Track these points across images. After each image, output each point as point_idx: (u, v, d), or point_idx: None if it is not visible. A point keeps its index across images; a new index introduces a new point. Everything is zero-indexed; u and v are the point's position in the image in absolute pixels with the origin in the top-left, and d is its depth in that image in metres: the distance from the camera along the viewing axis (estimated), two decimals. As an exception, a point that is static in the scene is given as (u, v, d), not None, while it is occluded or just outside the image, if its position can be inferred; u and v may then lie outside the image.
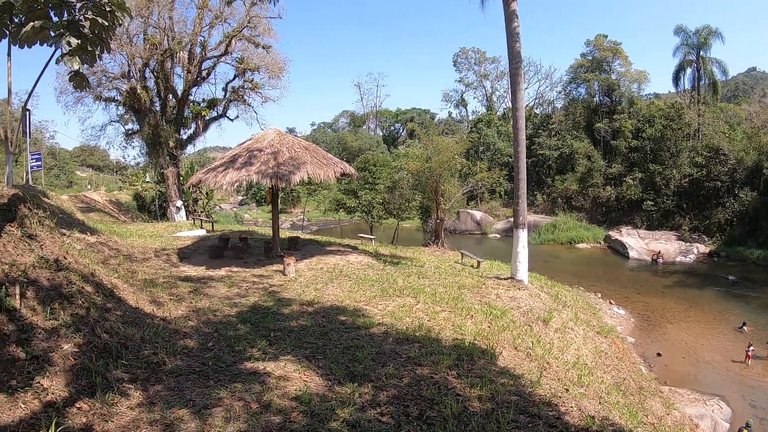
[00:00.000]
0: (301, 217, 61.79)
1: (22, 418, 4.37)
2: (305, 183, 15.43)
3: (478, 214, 57.59)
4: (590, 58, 64.49)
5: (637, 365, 13.88)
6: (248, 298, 10.93)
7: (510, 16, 14.88)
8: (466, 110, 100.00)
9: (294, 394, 5.75)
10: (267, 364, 6.72)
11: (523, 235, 14.74)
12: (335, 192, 45.55)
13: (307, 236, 25.73)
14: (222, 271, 13.69)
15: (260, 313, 9.54)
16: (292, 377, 6.32)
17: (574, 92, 68.82)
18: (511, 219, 49.38)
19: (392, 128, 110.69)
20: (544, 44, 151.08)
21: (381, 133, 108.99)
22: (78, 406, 4.86)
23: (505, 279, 14.84)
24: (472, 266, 18.23)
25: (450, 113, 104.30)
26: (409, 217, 41.52)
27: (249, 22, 33.19)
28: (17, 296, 5.84)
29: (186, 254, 16.32)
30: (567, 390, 7.56)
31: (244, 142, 16.55)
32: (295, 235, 22.55)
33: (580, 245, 46.28)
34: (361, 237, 26.94)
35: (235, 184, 14.73)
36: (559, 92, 77.03)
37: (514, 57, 15.01)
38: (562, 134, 64.87)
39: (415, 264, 16.62)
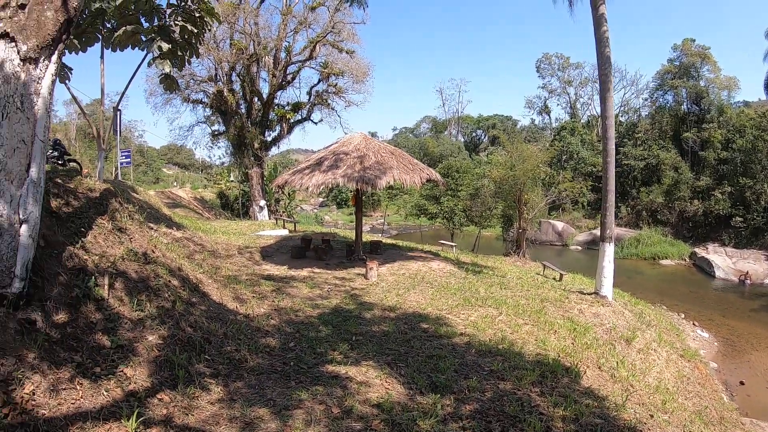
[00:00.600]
0: (382, 220, 62.24)
1: (103, 405, 4.51)
2: (390, 188, 15.47)
3: (559, 225, 55.84)
4: (677, 63, 60.93)
5: (718, 393, 12.95)
6: (330, 299, 11.01)
7: (599, 20, 14.33)
8: (550, 117, 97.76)
9: (375, 401, 5.68)
10: (348, 368, 6.70)
11: (609, 249, 14.08)
12: (417, 197, 45.56)
13: (389, 240, 25.81)
14: (304, 272, 13.89)
15: (342, 316, 9.58)
16: (374, 384, 6.26)
17: (660, 99, 65.10)
18: (594, 231, 47.51)
19: (474, 134, 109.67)
20: (629, 49, 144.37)
21: (462, 140, 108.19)
22: (159, 397, 4.99)
23: (588, 294, 14.26)
24: (554, 279, 17.66)
25: (533, 120, 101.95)
26: (491, 225, 40.91)
27: (333, 28, 33.93)
28: (106, 287, 6.12)
29: (269, 253, 16.71)
30: (651, 416, 7.17)
31: (330, 145, 16.75)
32: (376, 238, 22.65)
33: (664, 261, 43.97)
34: (442, 243, 26.73)
35: (321, 187, 14.92)
36: (645, 99, 73.15)
37: (604, 62, 14.41)
38: (648, 144, 61.57)
39: (497, 274, 16.27)
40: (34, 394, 4.18)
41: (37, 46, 4.97)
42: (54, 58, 5.20)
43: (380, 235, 36.56)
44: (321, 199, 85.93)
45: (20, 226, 4.85)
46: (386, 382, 6.35)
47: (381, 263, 14.53)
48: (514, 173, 29.00)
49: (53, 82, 5.26)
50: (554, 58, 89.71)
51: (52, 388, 4.35)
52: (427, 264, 15.35)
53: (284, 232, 23.11)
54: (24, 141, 4.92)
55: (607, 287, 14.13)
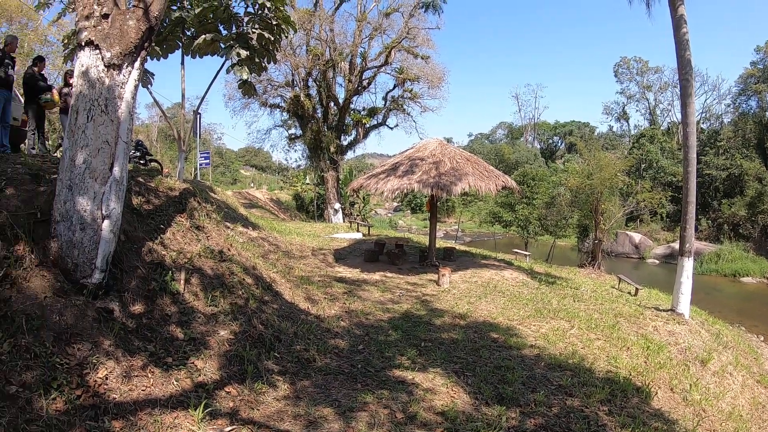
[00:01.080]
0: (456, 227, 61.88)
1: (172, 394, 4.78)
2: (464, 194, 15.37)
3: (636, 237, 53.36)
4: (761, 66, 56.69)
5: (795, 425, 12.11)
6: (401, 304, 11.06)
7: (678, 22, 13.68)
8: (628, 124, 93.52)
9: (440, 409, 5.68)
10: (415, 374, 6.72)
11: (688, 265, 13.40)
12: (492, 204, 45.03)
13: (462, 247, 25.65)
14: (376, 276, 14.02)
15: (412, 321, 9.59)
16: (440, 391, 6.26)
17: (743, 105, 60.45)
18: (672, 244, 45.06)
19: (550, 141, 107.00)
20: (710, 52, 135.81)
21: (538, 146, 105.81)
22: (227, 390, 5.21)
23: (664, 311, 13.62)
24: (629, 293, 17.01)
25: (611, 127, 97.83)
26: (566, 235, 39.90)
27: (408, 33, 34.18)
28: (182, 281, 6.46)
29: (342, 255, 16.98)
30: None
31: (406, 150, 16.82)
32: (450, 245, 22.56)
33: (745, 279, 41.13)
34: (516, 252, 26.31)
35: (396, 192, 15.00)
36: (728, 105, 68.40)
37: (684, 66, 13.73)
38: (731, 152, 57.66)
39: (571, 285, 15.84)
40: (107, 378, 4.50)
41: (121, 53, 5.33)
42: (137, 64, 5.56)
43: (454, 241, 36.35)
44: (396, 204, 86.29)
45: (102, 222, 5.22)
46: (452, 390, 6.33)
47: (453, 270, 14.46)
48: (590, 182, 28.30)
49: (136, 87, 5.62)
50: (632, 62, 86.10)
51: (124, 374, 4.66)
52: (500, 273, 15.16)
53: (358, 236, 23.38)
54: (108, 142, 5.28)
55: (684, 304, 13.52)
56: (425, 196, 18.52)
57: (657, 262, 48.03)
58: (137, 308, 5.59)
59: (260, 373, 5.79)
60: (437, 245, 18.19)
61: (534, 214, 39.02)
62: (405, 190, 15.03)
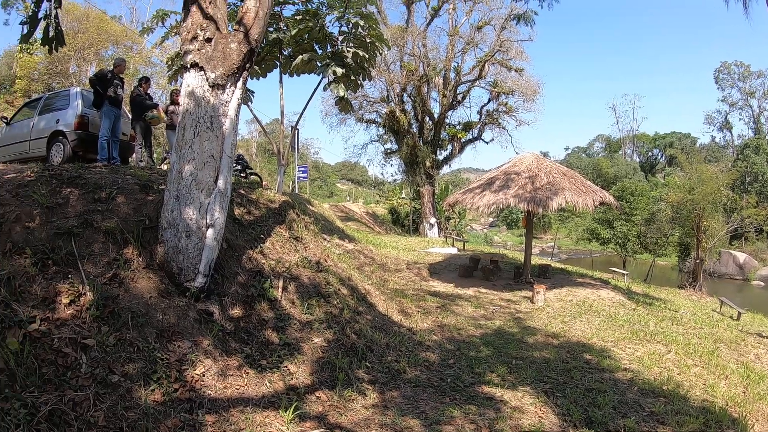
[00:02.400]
0: (552, 243, 60.25)
1: (265, 395, 5.01)
2: (561, 210, 14.99)
3: (741, 257, 49.20)
4: None
5: None
6: (493, 321, 10.94)
7: None
8: (731, 134, 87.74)
9: (526, 428, 5.56)
10: (504, 391, 6.64)
11: None
12: (589, 221, 43.58)
13: (558, 264, 24.99)
14: (470, 291, 13.94)
15: (504, 338, 9.45)
16: (527, 410, 6.14)
17: None
18: None
19: (650, 154, 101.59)
20: None
21: (638, 159, 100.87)
22: (317, 395, 5.38)
23: None
24: (731, 317, 15.89)
25: (713, 137, 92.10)
26: (666, 253, 37.89)
27: (500, 47, 33.92)
28: (280, 289, 6.77)
29: (436, 270, 17.01)
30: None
31: (502, 165, 16.68)
32: (545, 262, 22.06)
33: None
34: (613, 271, 25.30)
35: (491, 207, 14.88)
36: None
37: None
38: None
39: (669, 307, 15.00)
40: (203, 375, 4.82)
41: (224, 74, 5.72)
42: (239, 84, 5.94)
43: (549, 258, 35.42)
44: (491, 219, 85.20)
45: (207, 230, 5.61)
46: (540, 410, 6.21)
47: (548, 288, 14.13)
48: (692, 197, 26.94)
49: (239, 105, 6.00)
50: (733, 66, 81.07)
51: (220, 372, 4.96)
52: (596, 292, 14.66)
53: (453, 251, 23.32)
54: (213, 156, 5.67)
55: (792, 332, 12.53)
56: (521, 212, 18.29)
57: (763, 284, 44.36)
58: (236, 312, 5.92)
59: (350, 380, 5.93)
60: (533, 262, 17.86)
61: (633, 231, 37.57)
62: (500, 206, 14.88)
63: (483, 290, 14.21)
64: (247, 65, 6.02)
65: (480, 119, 37.36)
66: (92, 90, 11.37)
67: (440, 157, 37.45)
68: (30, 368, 4.02)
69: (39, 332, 4.32)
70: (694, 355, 9.66)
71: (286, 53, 12.77)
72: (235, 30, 6.08)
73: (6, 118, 13.67)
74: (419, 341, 8.39)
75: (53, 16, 5.87)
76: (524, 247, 17.05)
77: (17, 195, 5.86)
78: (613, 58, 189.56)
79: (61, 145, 11.42)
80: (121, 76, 11.64)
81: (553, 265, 21.99)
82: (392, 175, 53.73)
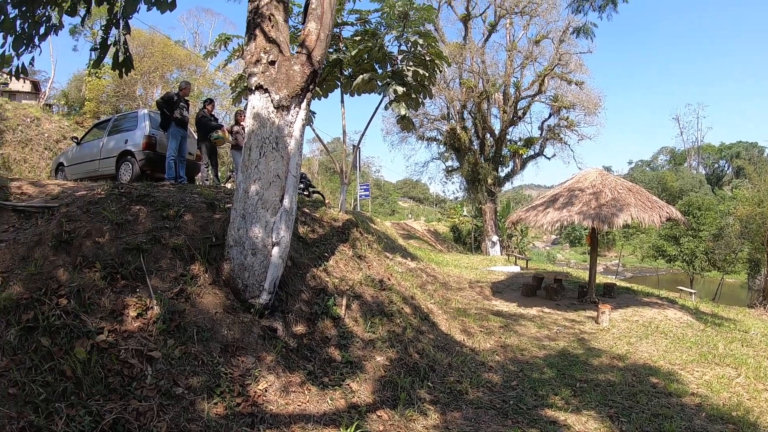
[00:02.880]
0: (616, 261, 58.46)
1: (326, 412, 5.03)
2: (625, 226, 14.56)
3: None
4: None
5: None
6: (557, 342, 10.71)
7: None
8: None
9: (591, 454, 5.45)
10: (568, 415, 6.46)
11: None
12: (655, 237, 42.10)
13: (623, 283, 24.24)
14: (533, 311, 13.69)
15: (568, 360, 9.24)
16: (591, 435, 6.01)
17: None
18: None
19: (716, 165, 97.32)
20: None
21: (703, 172, 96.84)
22: (379, 414, 5.36)
23: None
24: None
25: None
26: (735, 270, 36.07)
27: (559, 60, 33.54)
28: (343, 307, 6.83)
29: (499, 289, 16.79)
30: None
31: (565, 181, 16.40)
32: (610, 281, 21.47)
33: None
34: (680, 290, 24.28)
35: (555, 225, 14.64)
36: None
37: None
38: None
39: (739, 328, 14.23)
40: (266, 391, 4.90)
41: (288, 95, 5.88)
42: (303, 105, 6.09)
43: (614, 277, 34.43)
44: (554, 236, 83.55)
45: (272, 248, 5.75)
46: (605, 435, 6.05)
47: (613, 308, 13.72)
48: (762, 209, 25.64)
49: (303, 126, 6.15)
50: None
51: (282, 388, 5.03)
52: (663, 312, 14.13)
53: (516, 269, 23.00)
54: (278, 176, 5.81)
55: None
56: (584, 229, 17.88)
57: (836, 303, 41.84)
58: (299, 329, 6.01)
59: (412, 400, 5.89)
60: (597, 280, 17.42)
61: (700, 248, 35.94)
62: (564, 223, 14.59)
63: (546, 310, 13.94)
64: (311, 86, 6.16)
65: (541, 135, 37.01)
66: (159, 112, 11.84)
67: (502, 174, 37.15)
68: (96, 377, 4.21)
69: (106, 343, 4.52)
70: (765, 379, 9.19)
71: (346, 73, 12.99)
72: (297, 52, 6.25)
73: (77, 138, 14.41)
74: (482, 362, 8.27)
75: (122, 42, 6.16)
76: (588, 266, 16.65)
77: (88, 211, 6.16)
78: (674, 66, 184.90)
79: (130, 164, 11.94)
80: (186, 98, 12.08)
81: (617, 283, 21.39)
82: (453, 193, 53.91)
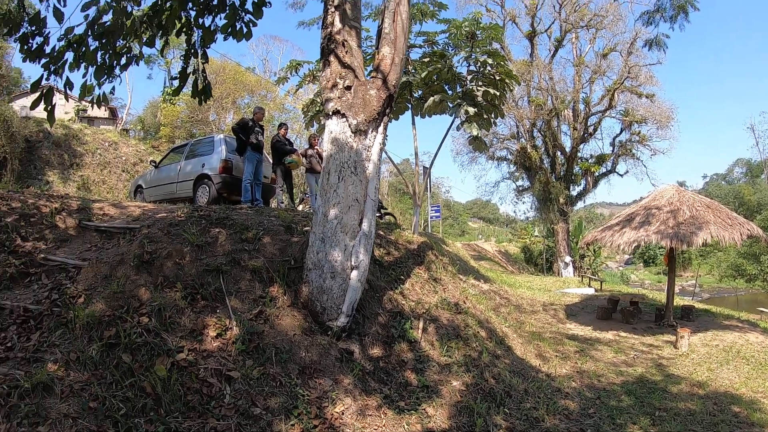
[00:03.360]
0: (692, 282, 55.89)
1: (402, 436, 5.01)
2: (703, 245, 13.96)
3: None
4: None
5: None
6: (635, 367, 10.35)
7: None
8: None
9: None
10: (647, 445, 6.27)
11: None
12: (733, 256, 40.04)
13: (700, 305, 23.20)
14: (609, 334, 13.29)
15: (646, 387, 8.90)
16: (671, 467, 5.75)
17: None
18: None
19: None
20: None
21: None
22: (455, 440, 5.31)
23: None
24: None
25: None
26: None
27: (629, 73, 32.53)
28: (419, 330, 6.83)
29: (573, 312, 16.37)
30: None
31: (641, 199, 16.02)
32: (687, 302, 20.59)
33: None
34: (761, 311, 22.90)
35: (632, 245, 14.24)
36: None
37: None
38: None
39: None
40: (342, 413, 4.93)
41: (365, 120, 5.98)
42: (380, 128, 6.19)
43: (691, 298, 32.94)
44: (627, 256, 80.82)
45: (351, 271, 5.83)
46: (685, 467, 5.79)
47: (692, 331, 13.13)
48: None
49: (381, 149, 6.24)
50: None
51: (359, 412, 5.05)
52: (744, 336, 13.41)
53: (590, 291, 22.40)
54: (357, 200, 5.90)
55: None
56: (659, 248, 17.30)
57: None
58: (375, 352, 6.03)
59: (488, 427, 5.78)
60: (674, 302, 16.79)
61: (783, 266, 34.08)
62: (642, 243, 14.15)
63: (623, 334, 13.50)
64: (387, 110, 6.25)
65: (613, 151, 35.92)
66: (235, 137, 12.21)
67: (573, 193, 36.31)
68: (175, 395, 4.34)
69: (186, 361, 4.67)
70: None
71: (416, 95, 13.08)
72: (372, 77, 6.36)
73: (155, 162, 15.08)
74: (558, 388, 8.06)
75: (201, 70, 6.43)
76: (666, 287, 16.03)
77: (169, 233, 6.42)
78: (746, 72, 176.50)
79: (207, 187, 12.38)
80: (261, 123, 12.42)
81: (696, 305, 20.53)
82: (524, 213, 53.26)
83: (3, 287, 5.66)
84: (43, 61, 5.56)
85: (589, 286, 24.77)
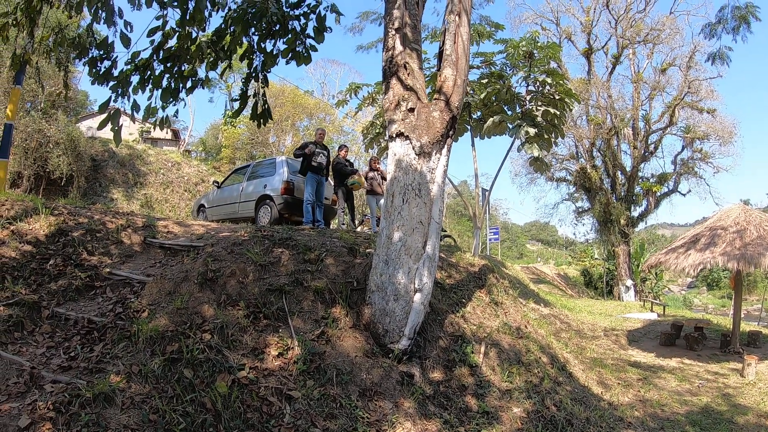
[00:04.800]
0: (759, 306, 53.22)
1: (461, 465, 4.90)
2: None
3: None
4: None
5: None
6: (700, 397, 9.94)
7: None
8: None
9: None
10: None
11: None
12: (802, 277, 38.06)
13: (767, 330, 22.14)
14: (673, 362, 12.82)
15: (712, 418, 8.54)
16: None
17: None
18: None
19: None
20: None
21: None
22: (516, 469, 5.17)
23: None
24: None
25: None
26: None
27: (689, 88, 31.45)
28: (481, 354, 6.71)
29: (635, 337, 15.87)
30: None
31: (705, 220, 15.46)
32: (755, 328, 19.65)
33: None
34: None
35: (698, 267, 13.72)
36: None
37: None
38: None
39: None
40: (400, 438, 4.83)
41: (429, 142, 5.98)
42: (444, 150, 6.17)
43: (757, 323, 31.37)
44: (690, 280, 77.91)
45: (414, 294, 5.79)
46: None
47: (760, 359, 12.52)
48: None
49: (445, 172, 6.22)
50: None
51: (417, 436, 4.94)
52: (814, 363, 12.74)
53: (652, 316, 21.65)
54: (421, 222, 5.89)
55: None
56: (724, 270, 16.58)
57: None
58: (436, 376, 5.95)
59: (551, 457, 5.67)
60: (740, 328, 16.06)
61: None
62: (708, 265, 13.60)
63: (687, 361, 12.97)
64: (450, 132, 6.23)
65: (674, 169, 34.56)
66: (297, 158, 12.40)
67: (635, 214, 35.16)
68: (235, 412, 4.38)
69: (247, 379, 4.72)
70: None
71: (475, 116, 13.03)
72: (435, 99, 6.36)
73: (218, 183, 15.47)
74: (620, 417, 7.79)
75: (261, 94, 6.57)
76: (732, 312, 15.34)
77: (232, 252, 6.54)
78: None
79: (269, 208, 12.59)
80: (323, 144, 12.58)
81: (763, 331, 19.58)
82: (584, 235, 51.97)
83: (68, 299, 5.89)
84: (111, 83, 5.80)
85: (652, 310, 23.96)
